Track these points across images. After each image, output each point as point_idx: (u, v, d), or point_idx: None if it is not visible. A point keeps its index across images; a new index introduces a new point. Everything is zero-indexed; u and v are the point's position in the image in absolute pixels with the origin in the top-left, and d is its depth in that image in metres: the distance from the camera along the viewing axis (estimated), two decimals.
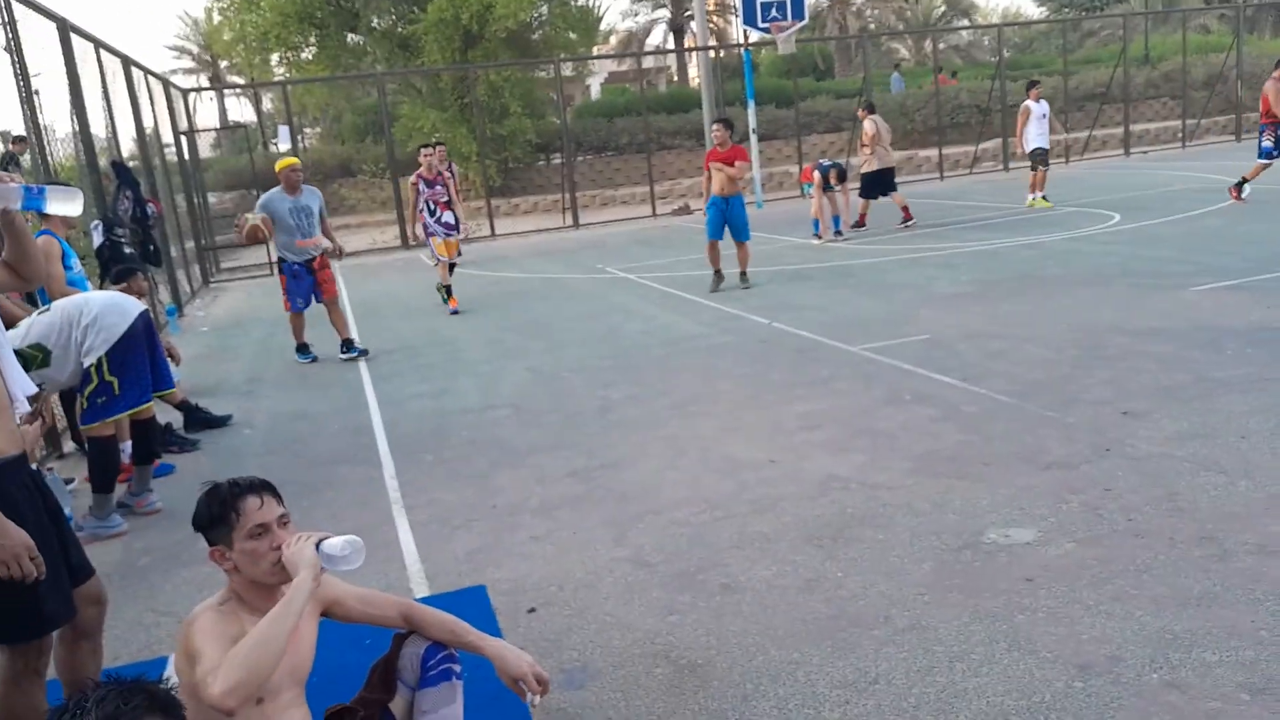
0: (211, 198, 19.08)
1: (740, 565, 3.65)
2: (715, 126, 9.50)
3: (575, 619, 3.38)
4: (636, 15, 37.73)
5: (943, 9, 38.28)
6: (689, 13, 23.09)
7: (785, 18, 16.06)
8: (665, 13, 36.98)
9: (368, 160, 22.06)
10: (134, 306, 4.55)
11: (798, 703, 2.77)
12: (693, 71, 34.01)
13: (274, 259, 14.24)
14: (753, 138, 17.57)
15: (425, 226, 9.69)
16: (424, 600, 3.42)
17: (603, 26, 30.41)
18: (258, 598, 2.32)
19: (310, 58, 22.06)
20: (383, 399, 6.64)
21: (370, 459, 5.37)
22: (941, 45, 36.22)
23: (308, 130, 33.55)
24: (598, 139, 23.30)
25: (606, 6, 35.09)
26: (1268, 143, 11.80)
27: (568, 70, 23.69)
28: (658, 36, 38.69)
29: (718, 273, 9.46)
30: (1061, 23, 27.36)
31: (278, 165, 7.81)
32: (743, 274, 9.50)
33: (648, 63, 39.22)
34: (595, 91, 36.12)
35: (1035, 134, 13.52)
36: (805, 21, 17.01)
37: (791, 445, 4.90)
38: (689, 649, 3.11)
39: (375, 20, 21.64)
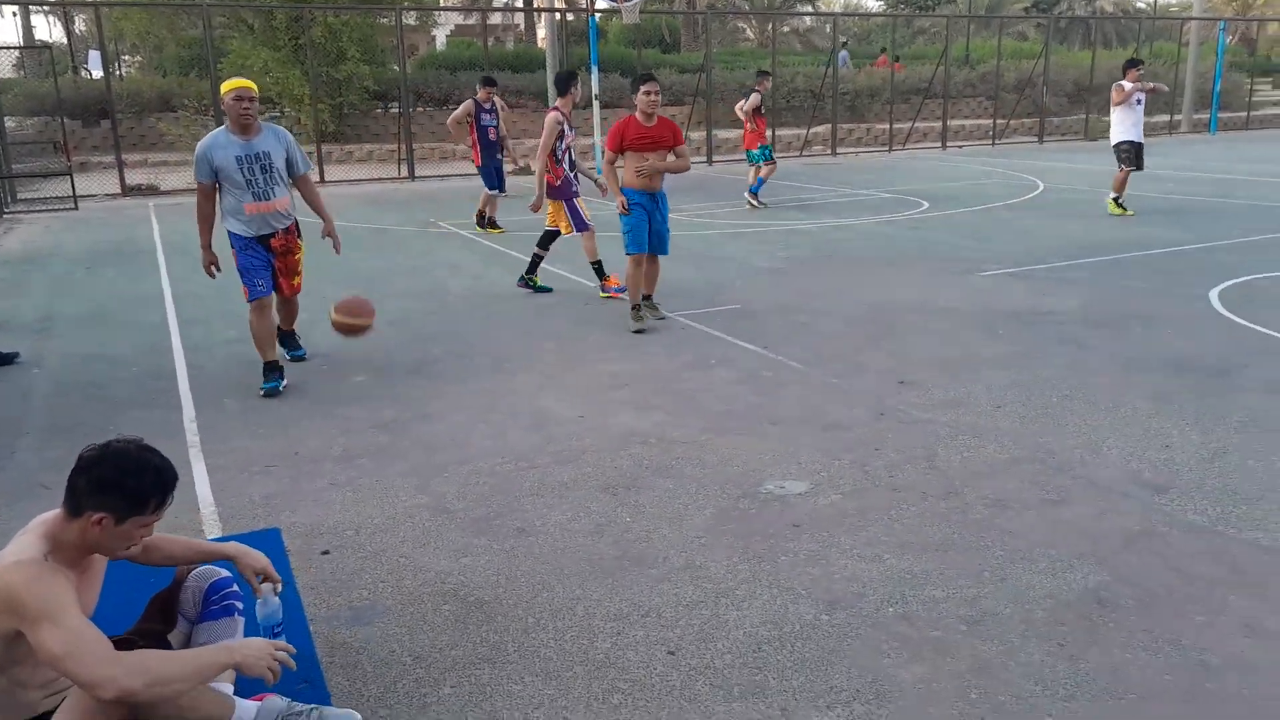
0: (10, 122, 17.47)
1: (537, 511, 3.81)
2: (647, 87, 6.33)
3: (369, 561, 3.45)
4: None
5: None
6: None
7: None
8: None
9: (190, 96, 20.74)
10: None
11: (574, 634, 2.95)
12: (541, 33, 33.63)
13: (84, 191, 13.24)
14: (595, 104, 17.67)
15: (565, 182, 7.45)
16: (215, 539, 3.40)
17: None
18: (77, 558, 2.26)
19: None
20: (188, 344, 6.40)
21: (170, 403, 5.21)
22: (785, 28, 37.34)
23: (126, 58, 31.15)
24: (440, 91, 22.78)
25: None
26: None
27: (411, 19, 22.99)
28: None
29: (643, 302, 6.71)
30: (894, 17, 28.78)
31: (223, 88, 5.26)
32: (648, 296, 6.87)
33: (499, 19, 38.51)
34: (441, 43, 35.18)
35: (1128, 123, 11.03)
36: None
37: (600, 402, 5.10)
38: (478, 588, 3.25)
39: None
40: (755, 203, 12.59)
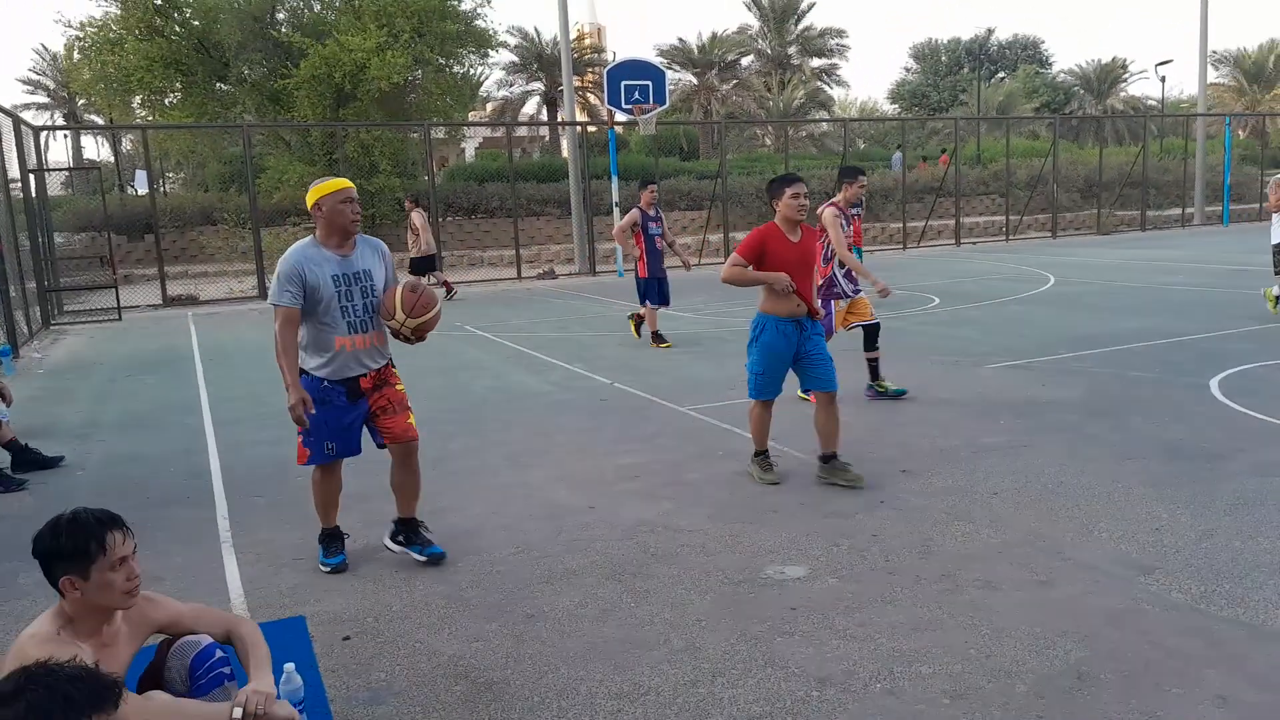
0: (59, 238, 18.41)
1: (546, 598, 4.01)
2: (795, 189, 5.16)
3: (386, 646, 3.65)
4: (512, 85, 38.69)
5: (802, 100, 40.83)
6: (562, 87, 23.98)
7: (647, 101, 17.01)
8: (540, 85, 38.03)
9: (230, 210, 21.76)
10: None
11: (576, 712, 3.12)
12: (565, 143, 34.97)
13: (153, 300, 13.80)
14: (615, 211, 18.33)
15: (828, 282, 7.15)
16: None
17: (480, 92, 31.08)
18: (93, 624, 2.50)
19: (174, 103, 21.75)
20: (222, 445, 6.72)
21: (204, 501, 5.49)
22: (801, 134, 38.54)
23: (170, 175, 32.71)
24: (468, 201, 23.71)
25: (486, 75, 35.69)
26: None
27: (440, 133, 24.10)
28: (533, 106, 39.71)
29: (832, 460, 5.33)
30: (903, 121, 29.68)
31: (322, 188, 4.15)
32: (834, 456, 5.33)
33: (525, 131, 40.09)
34: (470, 154, 36.65)
35: None
36: (665, 106, 18.05)
37: (611, 494, 5.32)
38: (488, 669, 3.43)
39: (246, 71, 21.58)
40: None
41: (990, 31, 58.28)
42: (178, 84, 21.25)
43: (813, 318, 5.31)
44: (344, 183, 4.19)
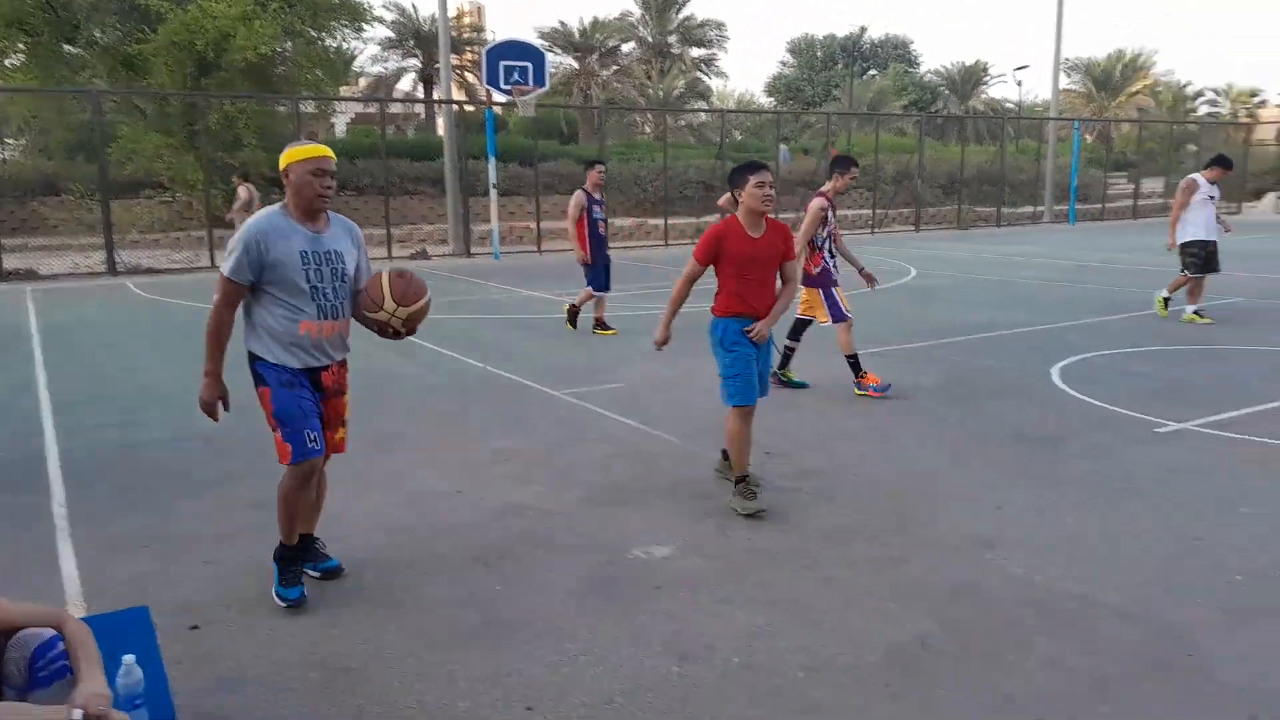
0: None
1: (409, 583, 3.93)
2: (760, 178, 4.75)
3: (238, 634, 3.51)
4: (387, 61, 37.63)
5: (681, 90, 41.23)
6: (439, 65, 23.49)
7: (527, 82, 16.82)
8: (416, 62, 37.13)
9: (77, 179, 20.40)
10: None
11: (436, 696, 3.08)
12: (441, 121, 34.28)
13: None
14: (493, 192, 18.08)
15: (824, 271, 7.16)
16: (82, 619, 3.40)
17: (354, 67, 30.10)
18: None
19: (17, 65, 20.21)
20: (61, 429, 6.31)
21: (38, 488, 5.14)
22: (680, 123, 38.93)
23: (9, 141, 30.38)
24: (338, 177, 22.92)
25: (360, 49, 34.63)
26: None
27: (310, 107, 23.23)
28: (408, 83, 38.74)
29: (746, 479, 4.74)
30: (779, 114, 30.37)
31: (293, 154, 3.66)
32: (726, 456, 5.11)
33: (399, 108, 39.06)
34: (341, 130, 35.44)
35: (1199, 222, 9.91)
36: (545, 89, 17.88)
37: (480, 478, 5.26)
38: (346, 656, 3.35)
39: (98, 34, 20.24)
40: None
41: (863, 30, 60.41)
42: (21, 45, 19.75)
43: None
44: (321, 150, 3.69)
